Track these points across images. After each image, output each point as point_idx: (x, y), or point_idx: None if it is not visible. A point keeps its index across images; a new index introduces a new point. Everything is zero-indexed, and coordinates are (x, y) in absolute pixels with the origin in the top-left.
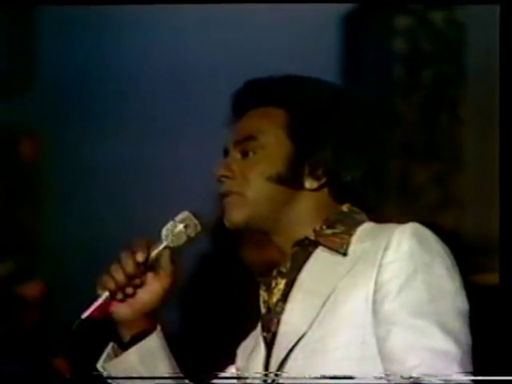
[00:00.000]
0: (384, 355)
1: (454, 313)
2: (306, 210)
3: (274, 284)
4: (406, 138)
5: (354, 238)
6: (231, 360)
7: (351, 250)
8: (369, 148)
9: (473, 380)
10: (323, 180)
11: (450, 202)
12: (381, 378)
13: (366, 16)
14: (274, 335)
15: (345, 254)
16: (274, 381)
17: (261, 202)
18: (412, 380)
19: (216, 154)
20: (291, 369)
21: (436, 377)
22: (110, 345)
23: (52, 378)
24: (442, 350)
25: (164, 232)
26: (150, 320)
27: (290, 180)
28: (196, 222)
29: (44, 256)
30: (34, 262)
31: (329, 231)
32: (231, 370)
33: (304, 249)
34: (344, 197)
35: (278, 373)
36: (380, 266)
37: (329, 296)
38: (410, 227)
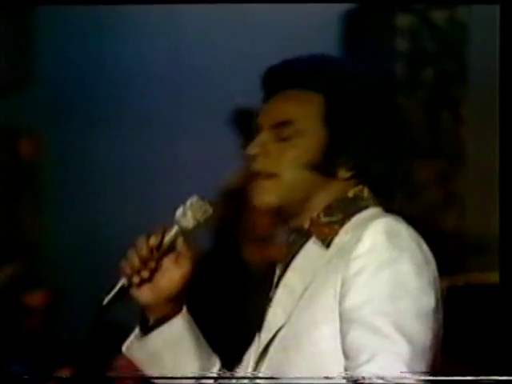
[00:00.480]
0: (343, 350)
1: (415, 313)
2: (330, 198)
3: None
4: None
5: (343, 229)
6: None
7: (334, 242)
8: (396, 142)
9: (473, 380)
10: (355, 170)
11: (450, 201)
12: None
13: (368, 15)
14: (261, 326)
15: (328, 246)
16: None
17: (295, 187)
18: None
19: (214, 152)
20: (270, 361)
21: (382, 378)
22: (136, 329)
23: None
24: (394, 352)
25: (176, 216)
26: (174, 304)
27: (324, 168)
28: (206, 206)
29: (44, 257)
30: (35, 264)
31: (325, 219)
32: None
33: (299, 238)
34: (373, 191)
35: (256, 372)
36: (349, 259)
37: (305, 290)
38: (384, 222)
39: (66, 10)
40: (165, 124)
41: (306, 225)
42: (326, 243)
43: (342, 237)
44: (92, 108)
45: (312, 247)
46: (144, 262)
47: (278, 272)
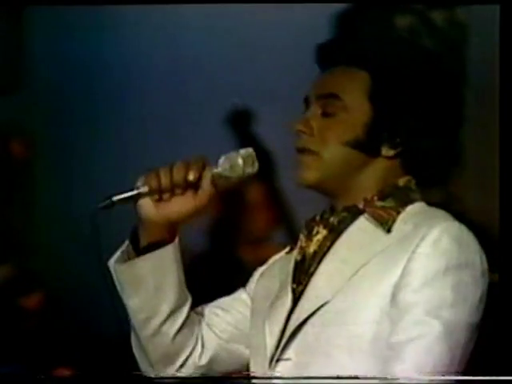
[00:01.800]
0: (388, 341)
1: (466, 326)
2: (376, 177)
3: (315, 231)
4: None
5: (400, 217)
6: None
7: (394, 228)
8: (445, 125)
9: (473, 380)
10: (399, 149)
11: (450, 200)
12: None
13: (368, 15)
14: (302, 292)
15: (388, 231)
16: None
17: (336, 165)
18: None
19: (211, 152)
20: (307, 334)
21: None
22: (126, 243)
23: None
24: (437, 357)
25: (222, 159)
26: (171, 231)
27: (367, 146)
28: (256, 162)
29: (36, 257)
30: (27, 264)
31: (379, 203)
32: (241, 295)
33: (351, 215)
34: (413, 168)
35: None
36: (413, 252)
37: (358, 269)
38: (457, 227)
39: (57, 10)
40: (160, 124)
41: (361, 205)
42: (387, 228)
43: (401, 225)
44: (86, 108)
45: (366, 225)
46: (173, 186)
47: (321, 226)
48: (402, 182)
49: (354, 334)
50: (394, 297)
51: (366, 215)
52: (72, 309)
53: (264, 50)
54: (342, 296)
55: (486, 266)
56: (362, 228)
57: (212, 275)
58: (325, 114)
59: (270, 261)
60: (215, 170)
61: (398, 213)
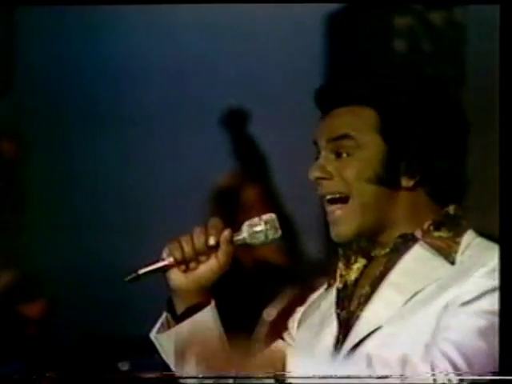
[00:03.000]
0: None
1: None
2: (405, 210)
3: (353, 259)
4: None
5: (460, 248)
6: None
7: (457, 259)
8: (454, 140)
9: (473, 380)
10: (418, 177)
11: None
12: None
13: (366, 16)
14: (351, 317)
15: (453, 263)
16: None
17: (368, 206)
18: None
19: (207, 152)
20: (362, 354)
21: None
22: (164, 315)
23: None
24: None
25: (246, 225)
26: (205, 294)
27: (387, 180)
28: (278, 226)
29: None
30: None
31: (436, 233)
32: (279, 344)
33: (405, 243)
34: (439, 194)
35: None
36: (468, 276)
37: (413, 295)
38: None
39: (46, 12)
40: (154, 125)
41: (418, 234)
42: (452, 260)
43: (459, 257)
44: (78, 109)
45: (424, 256)
46: (196, 254)
47: (359, 256)
48: (451, 210)
49: (406, 357)
50: (445, 309)
51: (422, 244)
52: (73, 313)
53: (259, 50)
54: (394, 321)
55: None
56: (418, 257)
57: None
58: (338, 154)
59: (309, 300)
60: (237, 237)
61: (457, 243)
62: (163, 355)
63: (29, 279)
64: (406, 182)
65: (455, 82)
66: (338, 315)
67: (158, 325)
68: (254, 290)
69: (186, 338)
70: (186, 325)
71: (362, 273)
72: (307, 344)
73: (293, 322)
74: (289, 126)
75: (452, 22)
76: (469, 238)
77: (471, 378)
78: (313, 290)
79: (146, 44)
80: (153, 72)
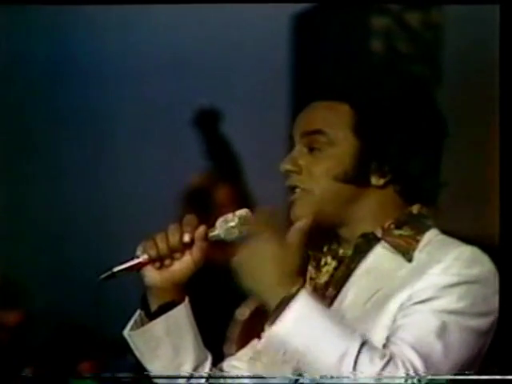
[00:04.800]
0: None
1: (467, 329)
2: (371, 207)
3: (323, 262)
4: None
5: (419, 246)
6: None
7: (415, 257)
8: (430, 142)
9: (473, 380)
10: (389, 176)
11: (449, 202)
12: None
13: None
14: None
15: (410, 261)
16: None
17: (328, 200)
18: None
19: (178, 153)
20: None
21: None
22: (138, 313)
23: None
24: (428, 348)
25: (220, 221)
26: (179, 291)
27: (356, 178)
28: (252, 222)
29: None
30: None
31: (396, 232)
32: (253, 342)
33: (367, 243)
34: (410, 194)
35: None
36: (423, 273)
37: (373, 295)
38: (470, 250)
39: (21, 10)
40: (127, 126)
41: (379, 233)
42: (409, 257)
43: (417, 254)
44: (56, 105)
45: (385, 256)
46: (171, 251)
47: (328, 257)
48: (415, 209)
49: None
50: (400, 309)
51: (383, 243)
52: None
53: (231, 49)
54: (357, 323)
55: (498, 286)
56: (380, 257)
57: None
58: (311, 149)
59: None
60: (212, 234)
61: (417, 241)
62: (136, 353)
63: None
64: (375, 181)
65: (431, 82)
66: None
67: (131, 322)
68: (226, 289)
69: (158, 336)
70: (159, 322)
71: (331, 275)
72: None
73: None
74: (261, 126)
75: (428, 23)
76: (431, 235)
77: (471, 377)
78: None
79: (117, 44)
80: (124, 71)
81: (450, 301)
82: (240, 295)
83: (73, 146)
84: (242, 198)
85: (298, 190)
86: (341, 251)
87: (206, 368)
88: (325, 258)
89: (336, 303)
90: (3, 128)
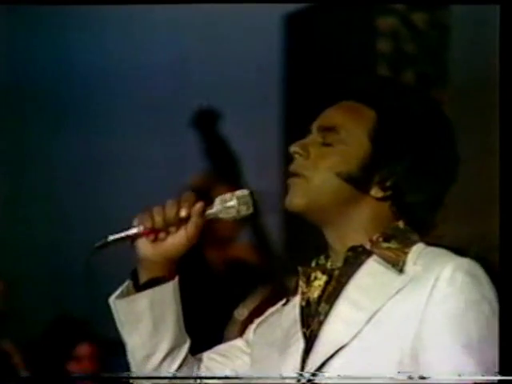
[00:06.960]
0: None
1: (476, 362)
2: (363, 216)
3: (313, 277)
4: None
5: (409, 257)
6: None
7: (405, 269)
8: (440, 175)
9: (473, 380)
10: (389, 192)
11: (449, 204)
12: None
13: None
14: (316, 336)
15: (401, 271)
16: (310, 380)
17: (324, 192)
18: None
19: (178, 153)
20: (326, 376)
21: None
22: (126, 282)
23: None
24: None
25: (217, 200)
26: (170, 268)
27: (358, 181)
28: (251, 203)
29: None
30: None
31: (384, 244)
32: (237, 343)
33: (357, 256)
34: (402, 214)
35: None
36: (431, 295)
37: (375, 312)
38: (467, 263)
39: (16, 11)
40: (127, 125)
41: (367, 245)
42: (399, 268)
43: (411, 266)
44: (52, 108)
45: (376, 267)
46: (167, 225)
47: (318, 272)
48: (401, 224)
49: (373, 374)
50: (416, 336)
51: (374, 257)
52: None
53: (230, 51)
54: (359, 339)
55: (497, 304)
56: (372, 271)
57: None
58: (324, 144)
59: (267, 313)
60: (209, 211)
61: (406, 253)
62: (117, 323)
63: None
64: (375, 192)
65: (437, 83)
66: (305, 334)
67: (118, 290)
68: (225, 289)
69: (142, 309)
70: (145, 295)
71: (323, 290)
72: (271, 362)
73: (249, 333)
74: (259, 127)
75: (434, 24)
76: (418, 248)
77: (471, 377)
78: (284, 289)
79: (116, 44)
80: (123, 73)
81: (457, 306)
82: (239, 295)
83: (72, 146)
84: None
85: (296, 176)
86: (329, 264)
87: (184, 351)
88: (314, 272)
89: (330, 319)
90: (3, 128)
